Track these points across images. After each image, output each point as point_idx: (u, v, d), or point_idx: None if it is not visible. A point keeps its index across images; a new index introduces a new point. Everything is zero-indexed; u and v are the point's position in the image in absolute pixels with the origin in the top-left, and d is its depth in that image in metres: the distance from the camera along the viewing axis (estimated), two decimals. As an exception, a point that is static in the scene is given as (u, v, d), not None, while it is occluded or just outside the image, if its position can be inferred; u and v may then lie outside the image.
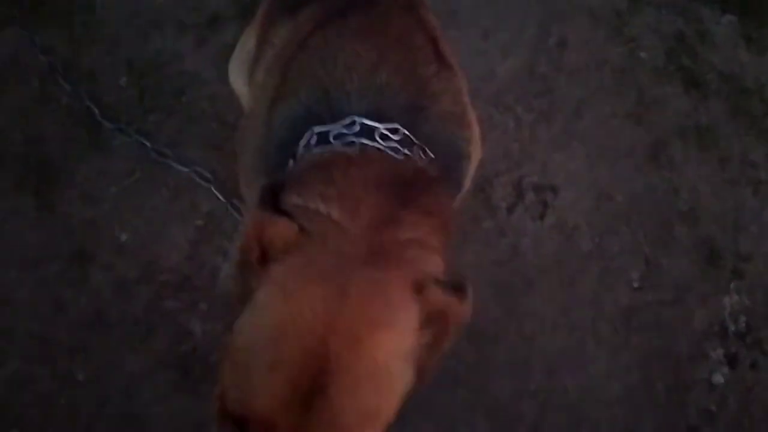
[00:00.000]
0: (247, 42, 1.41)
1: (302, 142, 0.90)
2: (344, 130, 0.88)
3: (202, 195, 1.74)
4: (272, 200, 0.76)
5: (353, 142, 0.87)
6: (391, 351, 0.69)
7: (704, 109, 1.91)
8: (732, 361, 1.67)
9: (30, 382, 1.56)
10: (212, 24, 1.92)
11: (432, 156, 0.92)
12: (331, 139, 0.88)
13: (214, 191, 1.73)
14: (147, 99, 1.83)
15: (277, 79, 1.00)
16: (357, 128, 0.87)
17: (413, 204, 0.81)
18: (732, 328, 1.71)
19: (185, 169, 1.74)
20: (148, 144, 1.75)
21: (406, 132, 0.89)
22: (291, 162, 0.92)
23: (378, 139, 0.87)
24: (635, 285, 1.73)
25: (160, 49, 1.89)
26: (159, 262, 1.68)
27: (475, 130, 1.10)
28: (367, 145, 0.86)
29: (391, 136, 0.88)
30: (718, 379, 1.65)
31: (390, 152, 0.87)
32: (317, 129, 0.90)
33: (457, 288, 0.76)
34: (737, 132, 1.89)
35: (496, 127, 1.86)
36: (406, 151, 0.88)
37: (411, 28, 1.00)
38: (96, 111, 1.78)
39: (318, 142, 0.89)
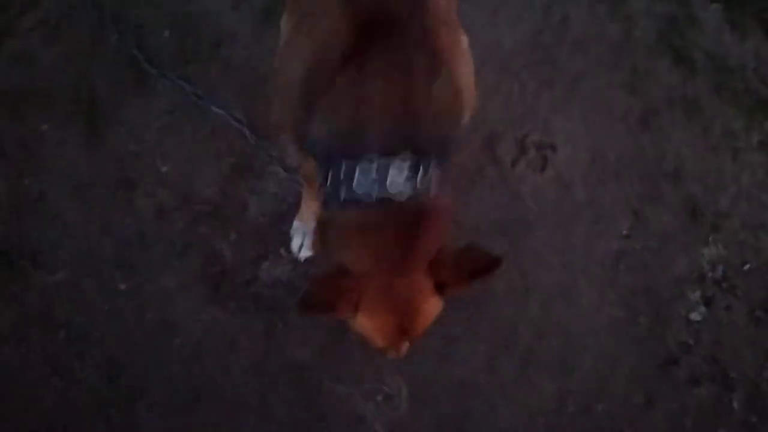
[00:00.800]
0: None
1: (333, 172, 1.15)
2: (368, 171, 1.12)
3: (235, 136, 1.91)
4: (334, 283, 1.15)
5: (373, 192, 1.12)
6: (427, 310, 1.18)
7: (691, 83, 2.11)
8: (708, 302, 1.85)
9: (77, 290, 1.73)
10: (248, -13, 2.11)
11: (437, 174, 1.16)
12: (356, 176, 1.12)
13: (246, 133, 1.91)
14: (187, 50, 2.01)
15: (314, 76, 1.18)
16: (375, 167, 1.11)
17: (418, 251, 1.14)
18: (710, 274, 1.89)
19: (221, 112, 1.92)
20: (187, 87, 1.93)
21: (416, 162, 1.13)
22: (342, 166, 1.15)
23: (394, 173, 1.11)
24: (624, 233, 1.91)
25: (200, 7, 2.07)
26: (195, 193, 1.86)
27: (468, 94, 1.30)
28: (383, 200, 1.12)
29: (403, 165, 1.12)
30: (695, 316, 1.83)
31: (401, 198, 1.12)
32: (346, 164, 1.13)
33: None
34: (720, 105, 2.08)
35: (503, 91, 2.05)
36: (417, 183, 1.13)
37: (413, 54, 1.14)
38: (141, 58, 1.96)
39: (346, 176, 1.13)
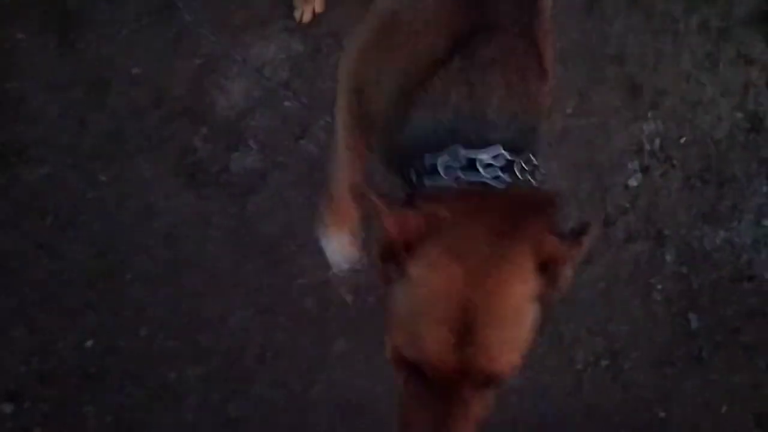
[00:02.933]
0: None
1: (445, 158, 1.05)
2: (492, 162, 1.04)
3: (201, 38, 2.03)
4: (409, 205, 0.97)
5: (498, 176, 1.04)
6: (519, 295, 0.92)
7: (634, -29, 2.21)
8: (645, 170, 2.01)
9: (62, 182, 1.88)
10: None
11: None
12: (479, 168, 1.04)
13: (211, 38, 2.02)
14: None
15: (415, 69, 1.12)
16: (502, 162, 1.05)
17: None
18: (648, 147, 2.04)
19: (188, 18, 2.03)
20: (152, -7, 2.04)
21: (531, 158, 1.08)
22: (427, 158, 1.07)
23: (515, 169, 1.05)
24: (569, 112, 2.05)
25: None
26: (166, 92, 1.99)
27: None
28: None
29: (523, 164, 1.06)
30: (633, 183, 1.99)
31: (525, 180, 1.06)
32: (465, 153, 1.05)
33: (576, 234, 0.94)
34: (661, -10, 2.20)
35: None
36: (529, 178, 1.06)
37: (527, 54, 1.13)
38: (107, -32, 2.07)
39: (467, 167, 1.05)
